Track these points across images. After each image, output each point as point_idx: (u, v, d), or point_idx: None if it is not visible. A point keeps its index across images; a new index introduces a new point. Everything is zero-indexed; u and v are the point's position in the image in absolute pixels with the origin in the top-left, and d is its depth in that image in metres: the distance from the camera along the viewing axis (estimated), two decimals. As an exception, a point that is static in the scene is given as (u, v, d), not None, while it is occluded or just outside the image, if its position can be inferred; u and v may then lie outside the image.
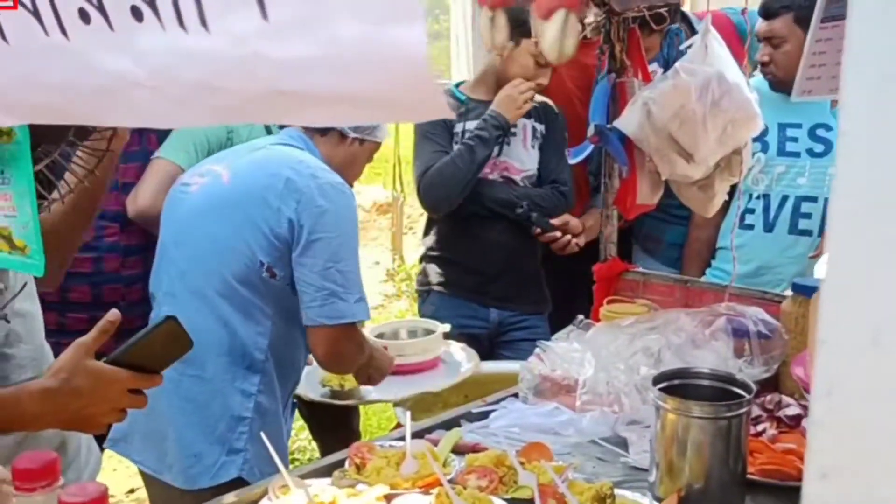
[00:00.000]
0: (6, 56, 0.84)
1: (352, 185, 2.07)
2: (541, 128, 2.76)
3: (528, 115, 2.74)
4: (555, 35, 0.71)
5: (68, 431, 1.48)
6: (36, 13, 0.80)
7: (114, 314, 1.26)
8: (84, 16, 0.77)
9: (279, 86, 0.72)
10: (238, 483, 1.78)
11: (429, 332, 2.49)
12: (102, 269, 2.30)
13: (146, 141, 2.41)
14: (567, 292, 2.93)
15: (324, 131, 2.05)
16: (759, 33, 2.43)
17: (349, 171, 2.08)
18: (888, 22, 0.34)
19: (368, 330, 2.48)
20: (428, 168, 2.66)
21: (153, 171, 2.34)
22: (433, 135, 2.72)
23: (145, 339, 1.24)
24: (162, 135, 2.44)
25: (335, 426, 2.71)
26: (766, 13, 2.41)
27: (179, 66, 0.75)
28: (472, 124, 2.68)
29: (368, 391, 2.27)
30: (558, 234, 2.69)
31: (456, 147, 2.67)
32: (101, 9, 0.76)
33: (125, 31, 0.76)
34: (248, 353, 1.91)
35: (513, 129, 2.71)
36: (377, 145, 2.13)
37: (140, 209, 2.31)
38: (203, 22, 0.71)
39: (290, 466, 1.90)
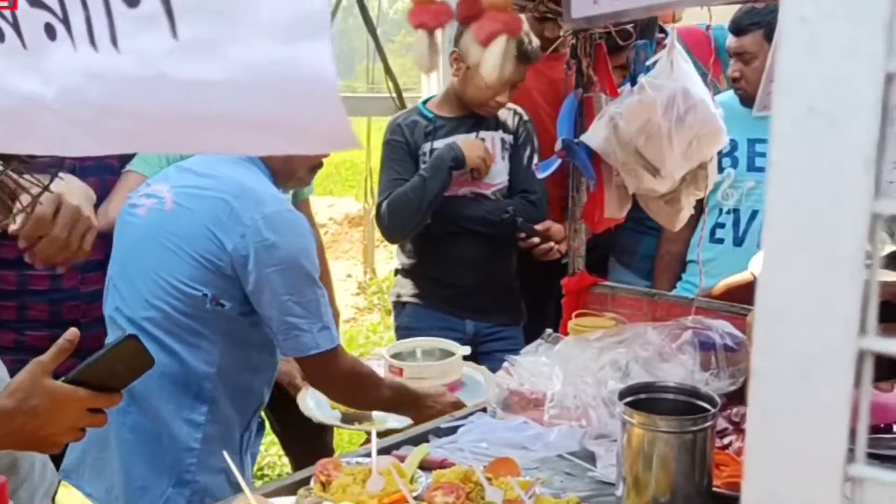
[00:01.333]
0: None
1: (301, 186, 2.09)
2: (509, 138, 2.77)
3: (496, 127, 2.75)
4: (495, 61, 0.70)
5: (21, 452, 1.46)
6: None
7: (72, 333, 1.24)
8: None
9: (185, 110, 0.69)
10: None
11: (446, 352, 2.45)
12: (61, 286, 2.27)
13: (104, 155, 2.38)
14: (540, 305, 2.95)
15: None
16: (730, 49, 2.46)
17: (288, 180, 2.02)
18: (813, 57, 0.35)
19: (385, 350, 2.47)
20: (386, 197, 2.68)
21: (124, 184, 2.31)
22: (393, 160, 2.73)
23: (104, 358, 1.23)
24: None
25: (308, 441, 2.69)
26: (737, 29, 2.45)
27: (87, 88, 0.73)
28: (439, 143, 2.68)
29: (383, 417, 2.21)
30: (536, 240, 2.68)
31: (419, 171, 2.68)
32: (15, 26, 0.74)
33: (37, 50, 0.74)
34: (195, 382, 1.85)
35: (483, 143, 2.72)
36: (315, 158, 2.04)
37: (111, 223, 2.29)
38: (114, 40, 0.69)
39: (258, 483, 1.86)
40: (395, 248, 3.07)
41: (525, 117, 2.81)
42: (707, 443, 1.44)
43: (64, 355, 1.24)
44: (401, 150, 2.72)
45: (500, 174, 2.75)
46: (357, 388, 1.97)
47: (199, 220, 1.82)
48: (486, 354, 2.76)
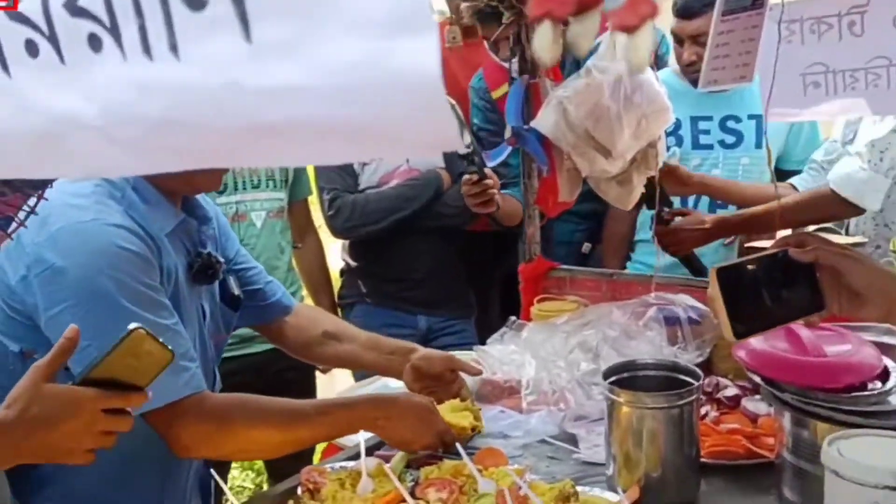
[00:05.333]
0: None
1: (203, 191, 1.67)
2: None
3: None
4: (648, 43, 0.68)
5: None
6: None
7: (72, 330, 1.13)
8: (31, 48, 0.69)
9: (260, 119, 0.62)
10: None
11: None
12: None
13: None
14: (481, 297, 2.96)
15: None
16: (683, 33, 2.49)
17: (180, 179, 1.56)
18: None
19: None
20: (337, 191, 2.64)
21: None
22: None
23: (111, 355, 1.11)
24: None
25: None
26: (689, 13, 2.46)
27: (138, 102, 0.67)
28: None
29: None
30: (490, 182, 2.47)
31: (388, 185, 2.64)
32: (52, 39, 0.67)
33: (78, 64, 0.68)
34: None
35: None
36: None
37: None
38: (174, 47, 0.63)
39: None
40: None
41: (451, 101, 2.80)
42: (693, 415, 1.47)
43: (64, 356, 1.13)
44: None
45: (435, 161, 2.73)
46: (225, 439, 1.48)
47: None
48: (439, 349, 2.74)
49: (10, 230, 1.07)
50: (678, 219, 2.43)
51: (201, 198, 1.73)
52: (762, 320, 1.26)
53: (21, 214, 1.07)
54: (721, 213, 2.52)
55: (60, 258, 1.39)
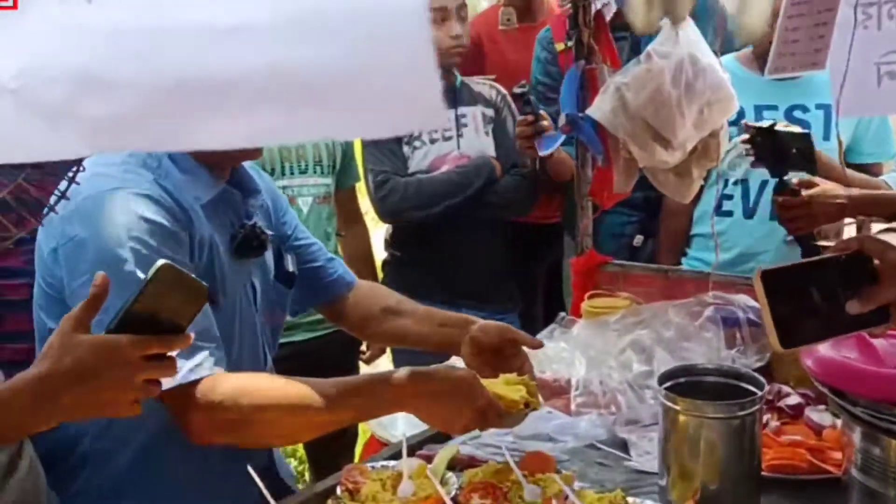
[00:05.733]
0: None
1: (246, 159, 1.57)
2: (490, 112, 2.68)
3: (474, 102, 2.66)
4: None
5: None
6: None
7: (100, 277, 1.06)
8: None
9: (208, 70, 0.50)
10: None
11: None
12: None
13: None
14: (527, 290, 2.88)
15: None
16: None
17: (219, 162, 1.51)
18: None
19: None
20: (387, 173, 2.57)
21: None
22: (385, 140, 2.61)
23: (142, 294, 1.03)
24: None
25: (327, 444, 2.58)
26: None
27: (63, 51, 0.55)
28: None
29: None
30: (546, 123, 2.30)
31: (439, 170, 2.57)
32: None
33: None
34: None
35: (463, 119, 2.63)
36: None
37: None
38: None
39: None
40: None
41: (503, 90, 2.72)
42: (756, 426, 1.37)
43: (98, 303, 1.05)
44: None
45: (486, 148, 2.65)
46: (242, 426, 1.37)
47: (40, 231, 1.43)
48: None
49: (42, 214, 1.01)
50: (806, 191, 2.11)
51: (255, 172, 1.65)
52: (813, 331, 1.15)
53: (52, 199, 1.02)
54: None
55: (82, 229, 1.34)
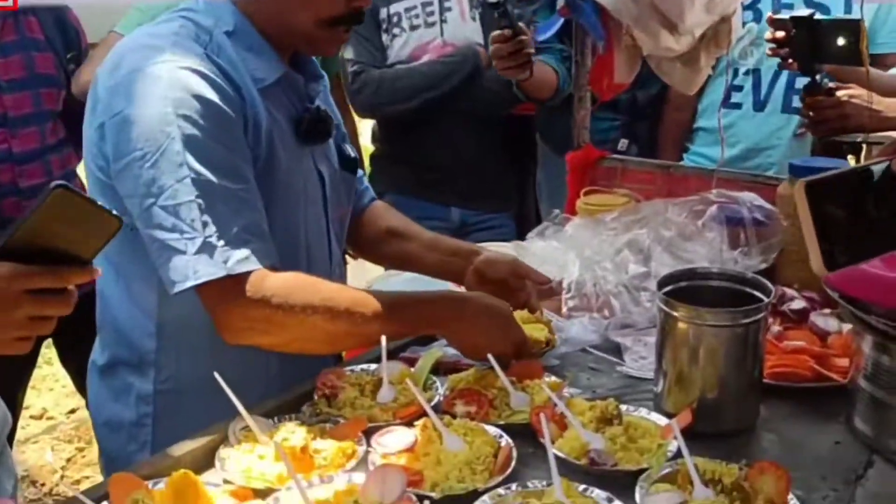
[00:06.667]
0: None
1: (320, 54, 1.50)
2: None
3: None
4: None
5: None
6: None
7: None
8: None
9: None
10: None
11: None
12: None
13: (25, 28, 2.12)
14: (520, 187, 2.76)
15: None
16: None
17: (291, 43, 1.42)
18: None
19: None
20: (362, 64, 2.41)
21: (104, 45, 2.13)
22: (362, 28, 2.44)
23: (30, 220, 0.89)
24: (44, 20, 2.15)
25: None
26: None
27: None
28: (397, 6, 2.41)
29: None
30: (526, 39, 2.07)
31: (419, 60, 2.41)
32: None
33: None
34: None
35: (447, 3, 2.45)
36: (320, 5, 1.36)
37: (81, 87, 2.10)
38: None
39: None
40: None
41: None
42: (760, 335, 1.29)
43: None
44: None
45: (474, 34, 2.48)
46: (284, 326, 1.30)
47: (87, 107, 1.37)
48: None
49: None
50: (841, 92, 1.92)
51: None
52: (861, 248, 1.01)
53: None
54: None
55: (129, 104, 1.26)
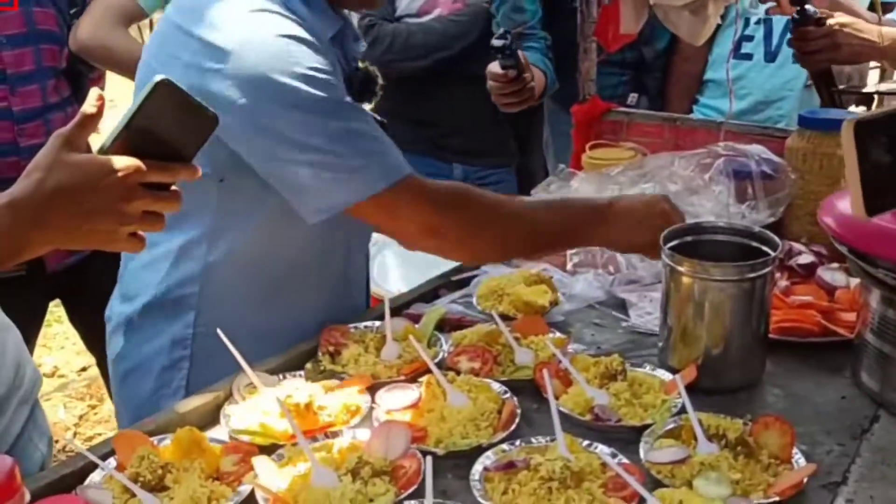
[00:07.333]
0: None
1: (366, 7, 1.63)
2: None
3: None
4: None
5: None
6: None
7: (95, 93, 0.93)
8: None
9: None
10: None
11: None
12: None
13: None
14: (524, 140, 2.72)
15: None
16: None
17: None
18: None
19: None
20: (374, 23, 2.36)
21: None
22: None
23: (138, 114, 0.90)
24: None
25: None
26: None
27: None
28: None
29: None
30: (528, 76, 2.13)
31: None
32: None
33: None
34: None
35: None
36: None
37: (79, 42, 2.08)
38: None
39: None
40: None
41: None
42: (766, 290, 1.27)
43: (92, 123, 0.93)
44: None
45: None
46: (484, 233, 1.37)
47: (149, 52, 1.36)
48: None
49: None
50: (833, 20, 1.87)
51: None
52: None
53: None
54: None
55: (228, 42, 1.22)
